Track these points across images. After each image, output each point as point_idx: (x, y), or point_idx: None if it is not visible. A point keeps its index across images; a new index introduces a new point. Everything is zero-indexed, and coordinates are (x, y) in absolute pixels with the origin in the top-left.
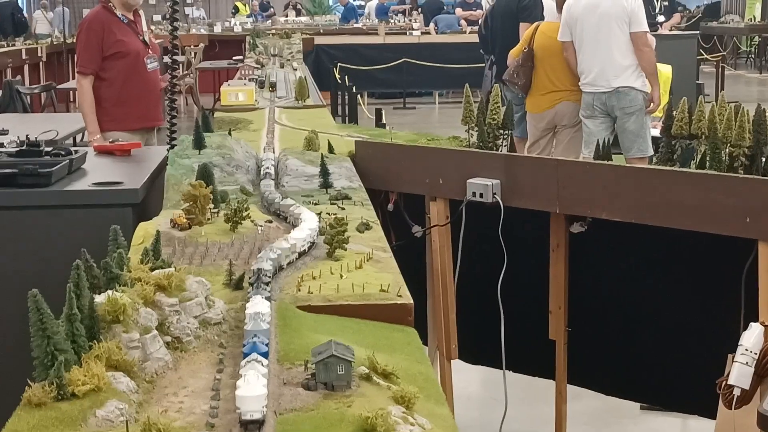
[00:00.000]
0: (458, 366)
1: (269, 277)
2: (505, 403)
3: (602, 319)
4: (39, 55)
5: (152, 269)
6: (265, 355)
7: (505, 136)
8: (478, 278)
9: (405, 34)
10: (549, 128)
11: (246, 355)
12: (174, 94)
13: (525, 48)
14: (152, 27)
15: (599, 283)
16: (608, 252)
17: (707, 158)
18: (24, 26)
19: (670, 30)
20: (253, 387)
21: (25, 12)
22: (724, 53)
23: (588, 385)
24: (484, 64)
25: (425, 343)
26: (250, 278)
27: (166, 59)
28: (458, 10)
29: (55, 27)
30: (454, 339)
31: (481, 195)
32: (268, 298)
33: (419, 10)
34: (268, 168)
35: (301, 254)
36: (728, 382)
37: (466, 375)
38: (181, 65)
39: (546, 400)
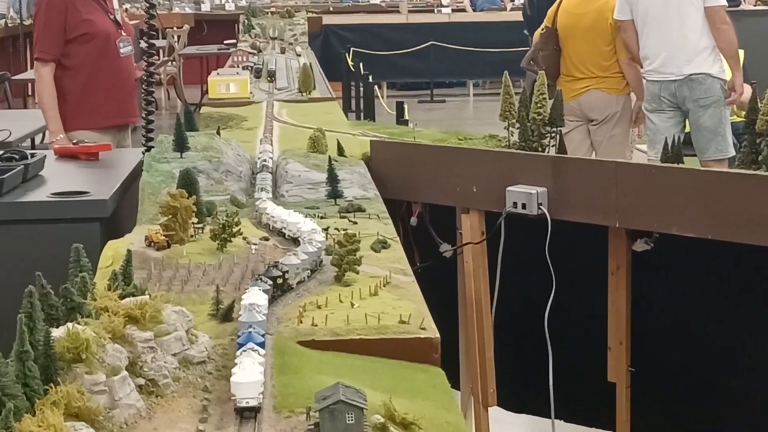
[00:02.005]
0: (497, 414)
1: (278, 269)
2: None
3: (672, 356)
4: None
5: (122, 297)
6: (262, 345)
7: (553, 135)
8: (520, 307)
9: (432, 11)
10: (580, 120)
11: (240, 345)
12: (151, 85)
13: (543, 29)
14: (126, 5)
15: (668, 313)
16: (679, 275)
17: None
18: None
19: (755, 5)
20: (248, 373)
21: None
22: None
23: None
24: (527, 48)
25: (456, 386)
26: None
27: (142, 44)
28: None
29: (10, 6)
30: (492, 382)
31: (523, 206)
32: (265, 291)
33: None
34: (265, 161)
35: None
36: None
37: (507, 426)
38: (160, 51)
39: None
